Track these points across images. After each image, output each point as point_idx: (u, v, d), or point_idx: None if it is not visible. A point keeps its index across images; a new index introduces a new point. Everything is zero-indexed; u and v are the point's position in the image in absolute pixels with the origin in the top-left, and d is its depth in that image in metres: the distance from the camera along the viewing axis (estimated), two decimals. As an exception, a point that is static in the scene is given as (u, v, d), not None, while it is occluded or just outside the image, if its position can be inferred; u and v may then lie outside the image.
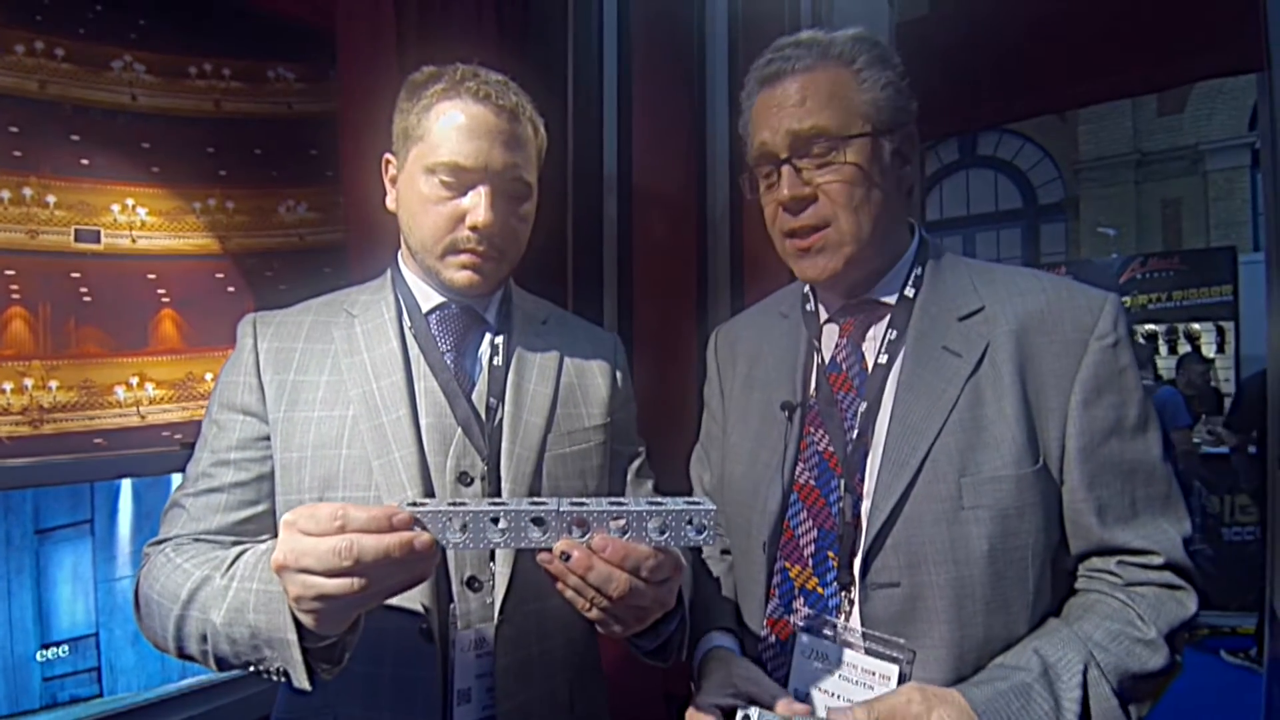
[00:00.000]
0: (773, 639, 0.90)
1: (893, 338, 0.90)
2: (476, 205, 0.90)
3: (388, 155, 1.00)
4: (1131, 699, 0.78)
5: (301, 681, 0.72)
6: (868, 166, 0.87)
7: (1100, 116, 9.90)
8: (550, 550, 0.68)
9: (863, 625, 0.83)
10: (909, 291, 0.92)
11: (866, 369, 0.91)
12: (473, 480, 0.91)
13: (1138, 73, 2.14)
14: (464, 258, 0.92)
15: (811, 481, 0.91)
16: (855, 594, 0.84)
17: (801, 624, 0.88)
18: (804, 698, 0.85)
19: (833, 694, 0.83)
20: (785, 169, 0.88)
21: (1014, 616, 0.81)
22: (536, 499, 0.70)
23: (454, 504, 0.67)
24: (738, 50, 2.55)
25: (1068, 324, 0.85)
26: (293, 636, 0.70)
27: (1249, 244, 8.60)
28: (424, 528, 0.65)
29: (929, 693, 0.75)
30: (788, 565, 0.91)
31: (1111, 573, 0.84)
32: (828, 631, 0.86)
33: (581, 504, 0.68)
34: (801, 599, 0.89)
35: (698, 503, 0.69)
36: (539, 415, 0.96)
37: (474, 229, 0.90)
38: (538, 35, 2.08)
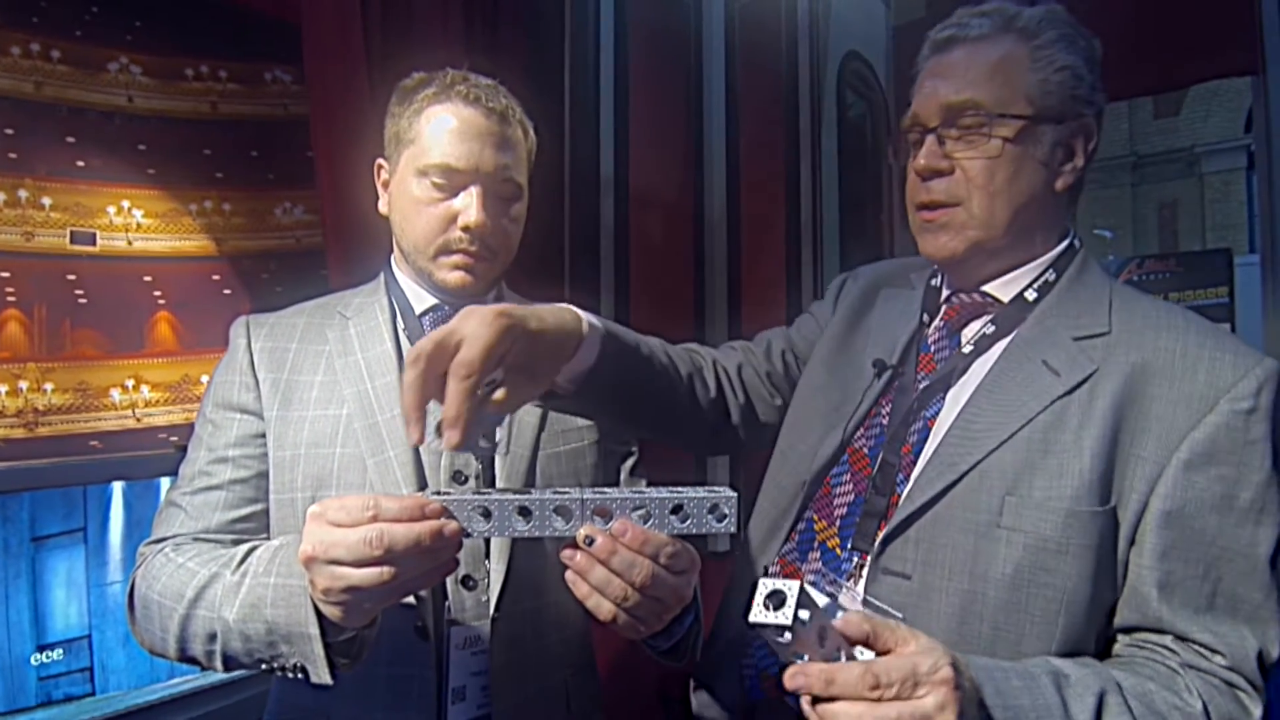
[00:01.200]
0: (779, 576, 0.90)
1: (989, 333, 0.85)
2: (468, 206, 0.91)
3: (380, 160, 1.01)
4: None
5: (323, 676, 0.71)
6: (1018, 151, 0.80)
7: (1096, 119, 9.92)
8: (573, 539, 0.67)
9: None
10: (1030, 295, 0.85)
11: (955, 356, 0.87)
12: (467, 479, 0.91)
13: (1134, 75, 2.15)
14: (456, 258, 0.93)
15: (865, 449, 0.88)
16: (867, 570, 0.82)
17: (811, 577, 0.86)
18: None
19: None
20: (929, 139, 0.83)
21: (1024, 655, 0.73)
22: (559, 489, 0.70)
23: (480, 493, 0.68)
24: (734, 52, 2.56)
25: (1201, 375, 0.75)
26: (315, 631, 0.70)
27: (1245, 246, 8.63)
28: (452, 516, 0.65)
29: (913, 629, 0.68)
30: (815, 517, 0.89)
31: (1166, 647, 0.74)
32: (831, 589, 0.84)
33: (604, 493, 0.68)
34: (818, 553, 0.87)
35: (718, 490, 0.69)
36: (532, 414, 0.97)
37: (466, 230, 0.91)
38: (531, 35, 2.09)
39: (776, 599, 0.58)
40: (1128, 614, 0.76)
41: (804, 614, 0.58)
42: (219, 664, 0.79)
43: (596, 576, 0.67)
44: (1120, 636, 0.78)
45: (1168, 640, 0.74)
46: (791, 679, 0.60)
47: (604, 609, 0.68)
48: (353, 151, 1.47)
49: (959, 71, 0.82)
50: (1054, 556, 0.74)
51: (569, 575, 0.69)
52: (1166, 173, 9.83)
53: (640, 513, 0.68)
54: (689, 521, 0.67)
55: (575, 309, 0.79)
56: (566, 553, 0.68)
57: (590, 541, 0.65)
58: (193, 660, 0.81)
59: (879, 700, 0.58)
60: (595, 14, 2.35)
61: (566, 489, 0.70)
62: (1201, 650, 0.73)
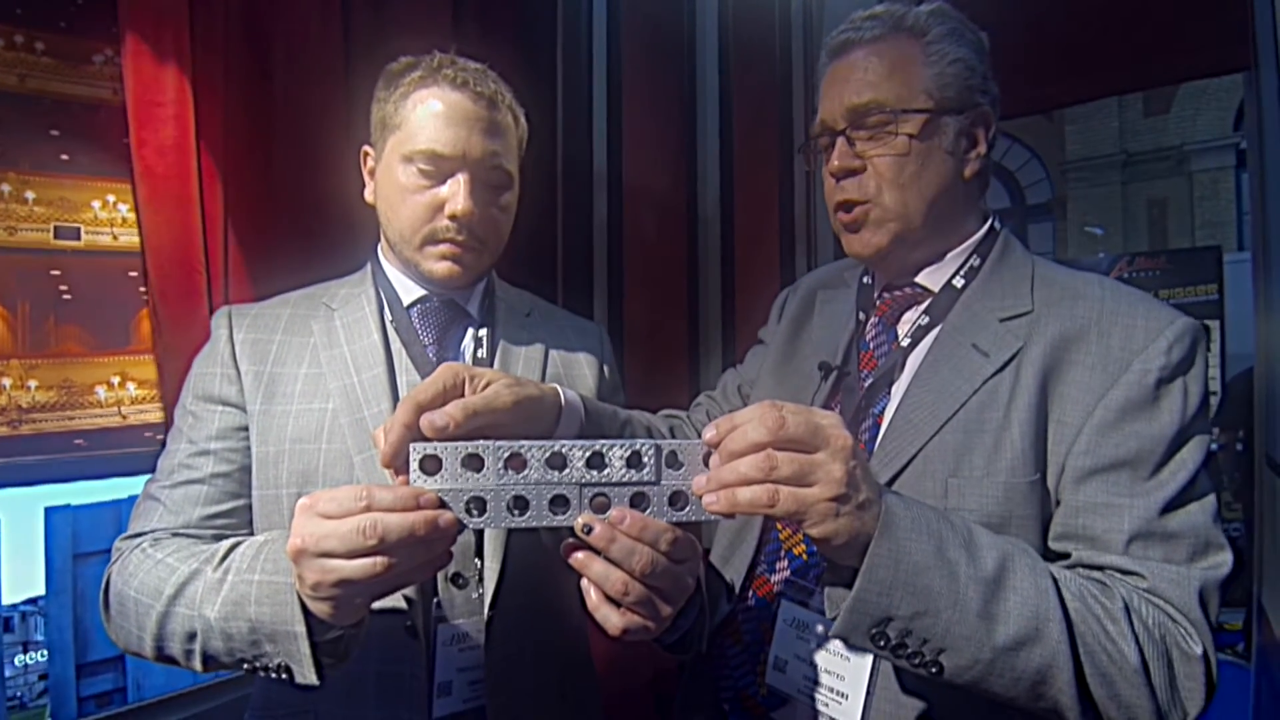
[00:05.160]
0: (751, 595, 0.90)
1: (923, 323, 0.88)
2: (455, 194, 0.89)
3: (366, 147, 0.99)
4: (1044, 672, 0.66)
5: (308, 677, 0.70)
6: (924, 144, 0.84)
7: (1087, 117, 9.98)
8: (572, 531, 0.66)
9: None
10: (957, 282, 0.88)
11: (894, 351, 0.89)
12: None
13: (1127, 72, 2.15)
14: (443, 248, 0.91)
15: None
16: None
17: (781, 589, 0.87)
18: (784, 664, 0.84)
19: (811, 662, 0.82)
20: (839, 140, 0.86)
21: None
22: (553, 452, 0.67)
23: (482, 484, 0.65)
24: (728, 46, 2.55)
25: (1115, 339, 0.78)
26: (301, 629, 0.68)
27: (1233, 243, 8.70)
28: (446, 506, 0.64)
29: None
30: (779, 526, 0.90)
31: (1094, 567, 0.75)
32: (803, 598, 0.85)
33: (601, 479, 0.66)
34: (785, 561, 0.88)
35: None
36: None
37: (453, 218, 0.89)
38: (524, 29, 2.07)
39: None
40: (1060, 562, 0.77)
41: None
42: (198, 664, 0.77)
43: (596, 570, 0.65)
44: None
45: (1096, 574, 0.75)
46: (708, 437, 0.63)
47: (612, 621, 0.67)
48: (176, 135, 1.42)
49: (859, 74, 0.85)
50: (999, 530, 0.75)
51: (583, 583, 0.67)
52: (1156, 170, 9.88)
53: (640, 503, 0.66)
54: (688, 509, 0.66)
55: (556, 386, 0.82)
56: (572, 554, 0.66)
57: (588, 530, 0.64)
58: (170, 660, 0.79)
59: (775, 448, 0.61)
60: (588, 8, 2.33)
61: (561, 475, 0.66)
62: (1128, 575, 0.74)
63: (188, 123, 1.43)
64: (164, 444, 0.93)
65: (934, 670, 0.66)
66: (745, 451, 0.61)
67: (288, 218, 1.57)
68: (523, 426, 0.74)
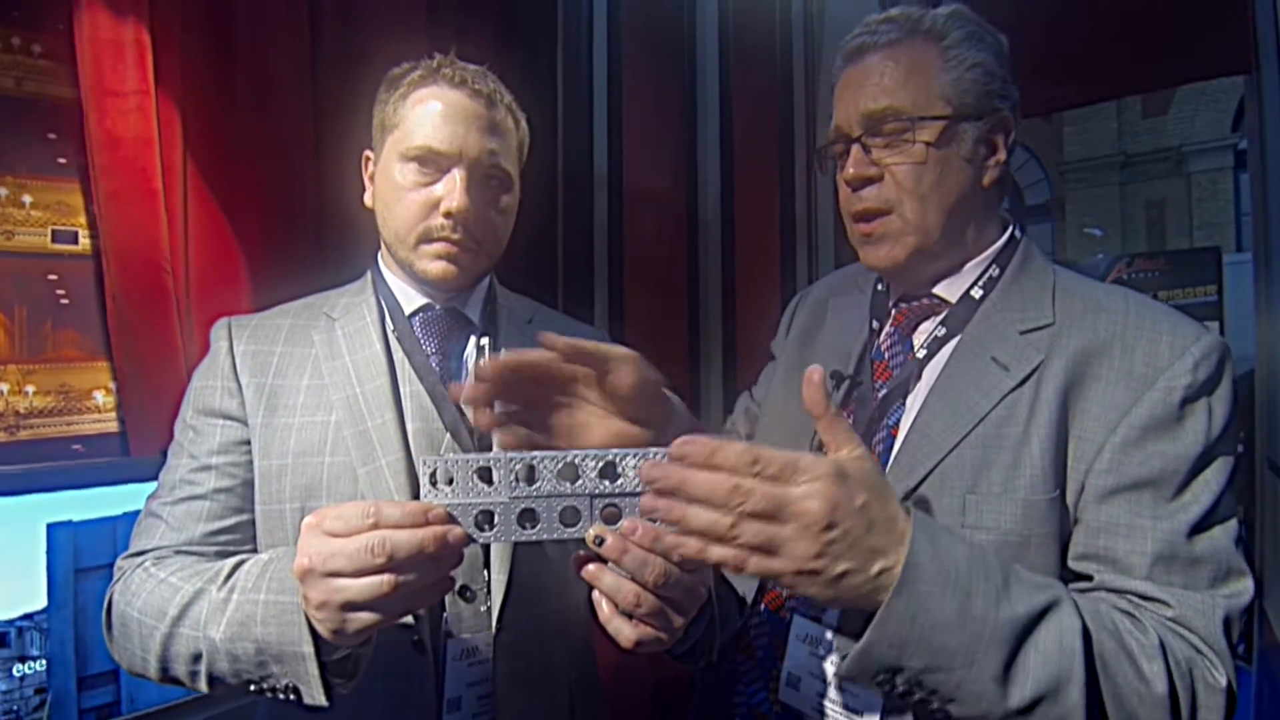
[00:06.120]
0: (763, 609, 0.88)
1: (940, 334, 0.85)
2: (451, 191, 0.88)
3: (366, 151, 0.98)
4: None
5: (317, 698, 0.68)
6: (942, 151, 0.81)
7: (1085, 118, 10.01)
8: (581, 540, 0.65)
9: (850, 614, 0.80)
10: (976, 292, 0.85)
11: (910, 362, 0.87)
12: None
13: (1126, 74, 2.15)
14: (438, 246, 0.90)
15: None
16: None
17: (793, 603, 0.85)
18: (798, 680, 0.83)
19: (825, 679, 0.81)
20: (854, 148, 0.84)
21: None
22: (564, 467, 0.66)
23: (482, 490, 0.64)
24: (728, 47, 2.54)
25: (1139, 355, 0.75)
26: (309, 649, 0.67)
27: (1232, 244, 8.73)
28: (455, 521, 0.62)
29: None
30: None
31: (1117, 591, 0.73)
32: (816, 613, 0.83)
33: (611, 489, 0.65)
34: None
35: None
36: None
37: (448, 215, 0.88)
38: (523, 32, 2.06)
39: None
40: (1081, 583, 0.76)
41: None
42: (204, 685, 0.76)
43: (607, 582, 0.64)
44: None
45: (1120, 601, 0.72)
46: (681, 448, 0.59)
47: (624, 633, 0.66)
48: (133, 134, 1.38)
49: (875, 78, 0.83)
50: (1017, 549, 0.73)
51: (595, 596, 0.66)
52: (1154, 171, 9.92)
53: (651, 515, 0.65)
54: None
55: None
56: (583, 567, 0.66)
57: (600, 542, 0.63)
58: (175, 681, 0.78)
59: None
60: (588, 11, 2.33)
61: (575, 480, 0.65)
62: (1153, 603, 0.71)
63: (149, 114, 1.40)
64: (166, 452, 0.92)
65: (940, 718, 0.65)
66: (704, 500, 0.59)
67: (255, 214, 1.53)
68: (640, 406, 0.76)
